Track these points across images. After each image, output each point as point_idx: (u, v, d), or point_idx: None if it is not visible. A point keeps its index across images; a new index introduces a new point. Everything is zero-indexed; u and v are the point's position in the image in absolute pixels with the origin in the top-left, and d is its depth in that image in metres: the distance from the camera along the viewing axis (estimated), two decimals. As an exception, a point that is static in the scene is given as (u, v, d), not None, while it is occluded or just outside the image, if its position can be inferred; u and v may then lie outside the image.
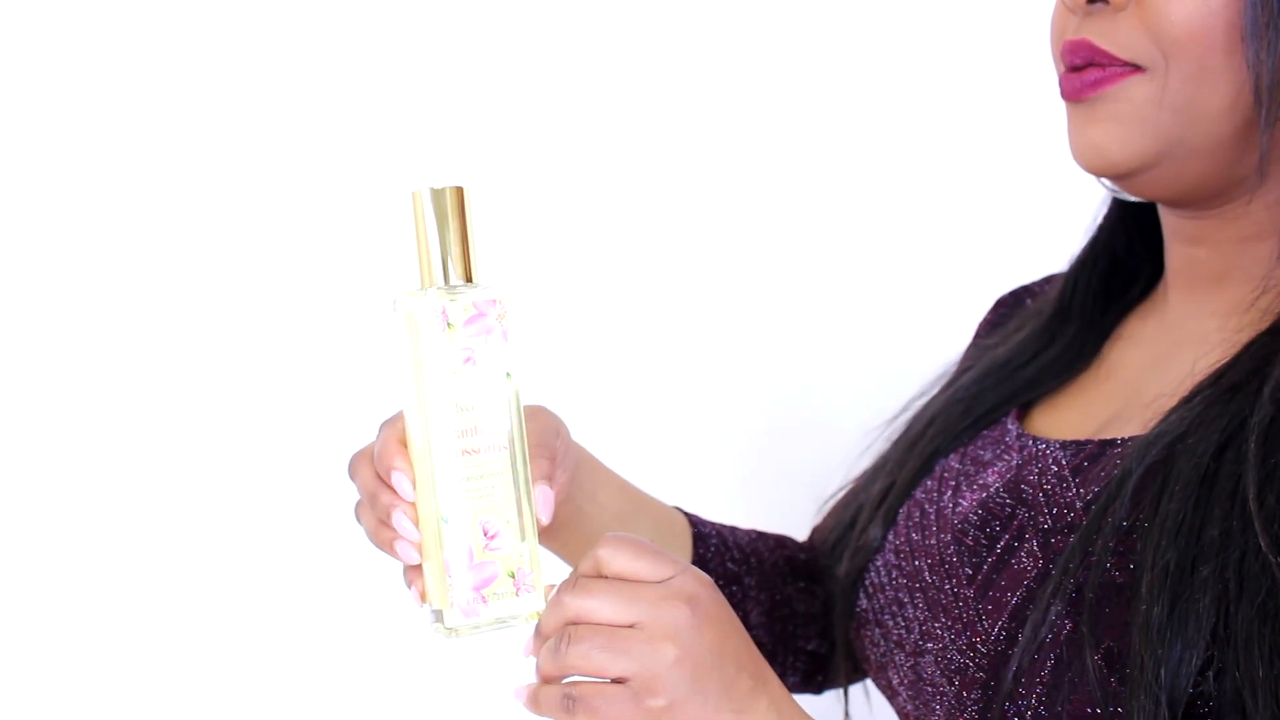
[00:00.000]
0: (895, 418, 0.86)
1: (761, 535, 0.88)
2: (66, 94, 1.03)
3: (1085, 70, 0.63)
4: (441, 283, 0.61)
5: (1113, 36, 0.62)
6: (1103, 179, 0.68)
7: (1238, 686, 0.52)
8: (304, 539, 1.09)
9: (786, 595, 0.85)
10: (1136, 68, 0.61)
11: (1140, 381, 0.67)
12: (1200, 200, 0.65)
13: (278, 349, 1.09)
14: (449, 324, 0.60)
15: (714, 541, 0.83)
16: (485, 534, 0.61)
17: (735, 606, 0.82)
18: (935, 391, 0.84)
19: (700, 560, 0.81)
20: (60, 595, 1.05)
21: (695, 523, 0.83)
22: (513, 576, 0.61)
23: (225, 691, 1.08)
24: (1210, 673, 0.54)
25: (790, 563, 0.87)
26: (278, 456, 1.09)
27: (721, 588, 0.80)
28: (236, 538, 1.09)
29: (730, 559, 0.83)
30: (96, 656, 1.06)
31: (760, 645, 0.83)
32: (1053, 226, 0.86)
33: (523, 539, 0.62)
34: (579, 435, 0.82)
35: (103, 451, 1.06)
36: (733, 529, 0.86)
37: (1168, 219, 0.69)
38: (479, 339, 0.60)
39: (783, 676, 0.86)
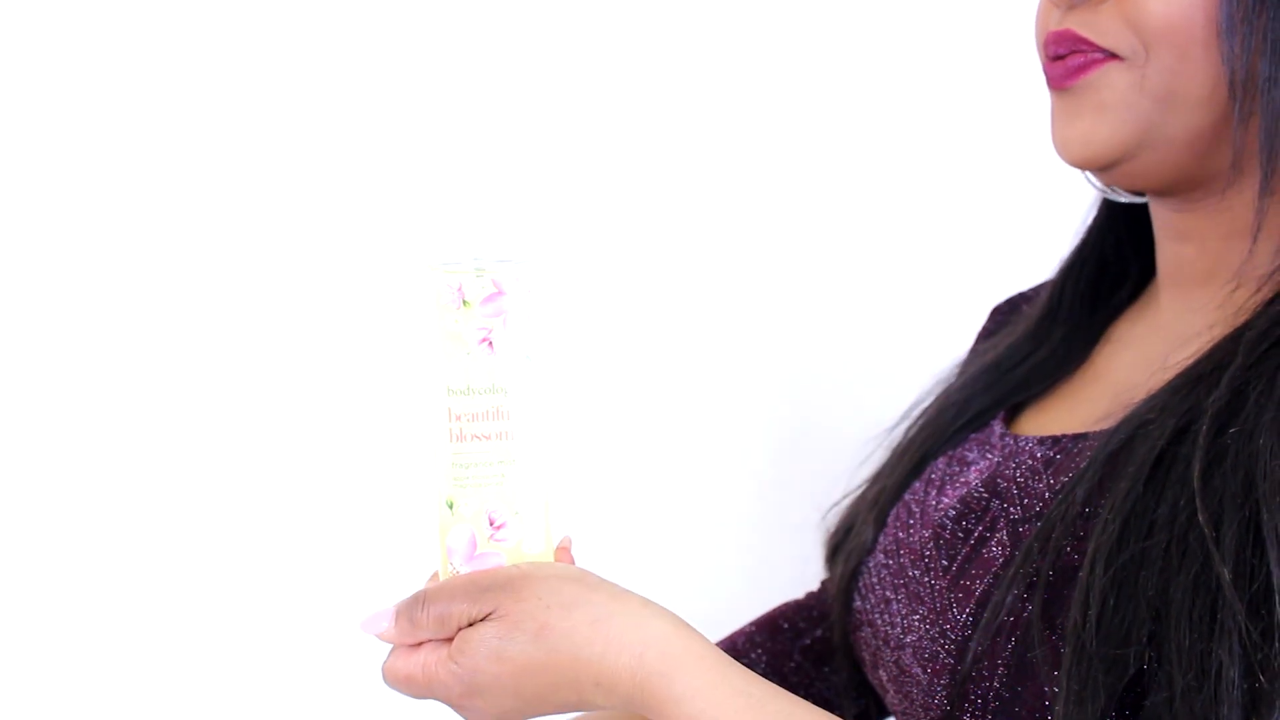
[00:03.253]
0: (894, 427, 0.87)
1: (767, 634, 0.86)
2: (67, 94, 1.03)
3: (1068, 57, 0.64)
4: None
5: (1094, 26, 0.63)
6: (1085, 172, 0.68)
7: (1168, 656, 0.53)
8: (304, 539, 1.08)
9: (786, 672, 0.84)
10: (1117, 56, 0.62)
11: (1128, 382, 0.67)
12: (1181, 190, 0.65)
13: (278, 346, 1.08)
14: (465, 301, 0.57)
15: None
16: (491, 523, 0.58)
17: None
18: (931, 399, 0.85)
19: None
20: (60, 595, 1.04)
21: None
22: (481, 571, 0.58)
23: (225, 692, 1.08)
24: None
25: (806, 654, 0.85)
26: (278, 456, 1.08)
27: None
28: (237, 538, 1.08)
29: (744, 655, 0.83)
30: (97, 657, 1.04)
31: None
32: (1051, 236, 0.86)
33: (535, 532, 0.58)
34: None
35: (103, 452, 1.05)
36: (734, 653, 0.84)
37: (1158, 215, 0.70)
38: (497, 319, 0.57)
39: None
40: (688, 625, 0.57)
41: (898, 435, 0.85)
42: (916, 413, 0.85)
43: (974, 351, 0.88)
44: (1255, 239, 0.63)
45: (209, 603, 1.07)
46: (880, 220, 1.18)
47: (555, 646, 0.54)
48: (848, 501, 0.89)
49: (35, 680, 1.03)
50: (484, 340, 0.57)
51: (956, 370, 0.86)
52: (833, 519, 0.90)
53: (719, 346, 1.16)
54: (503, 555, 0.58)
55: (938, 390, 0.85)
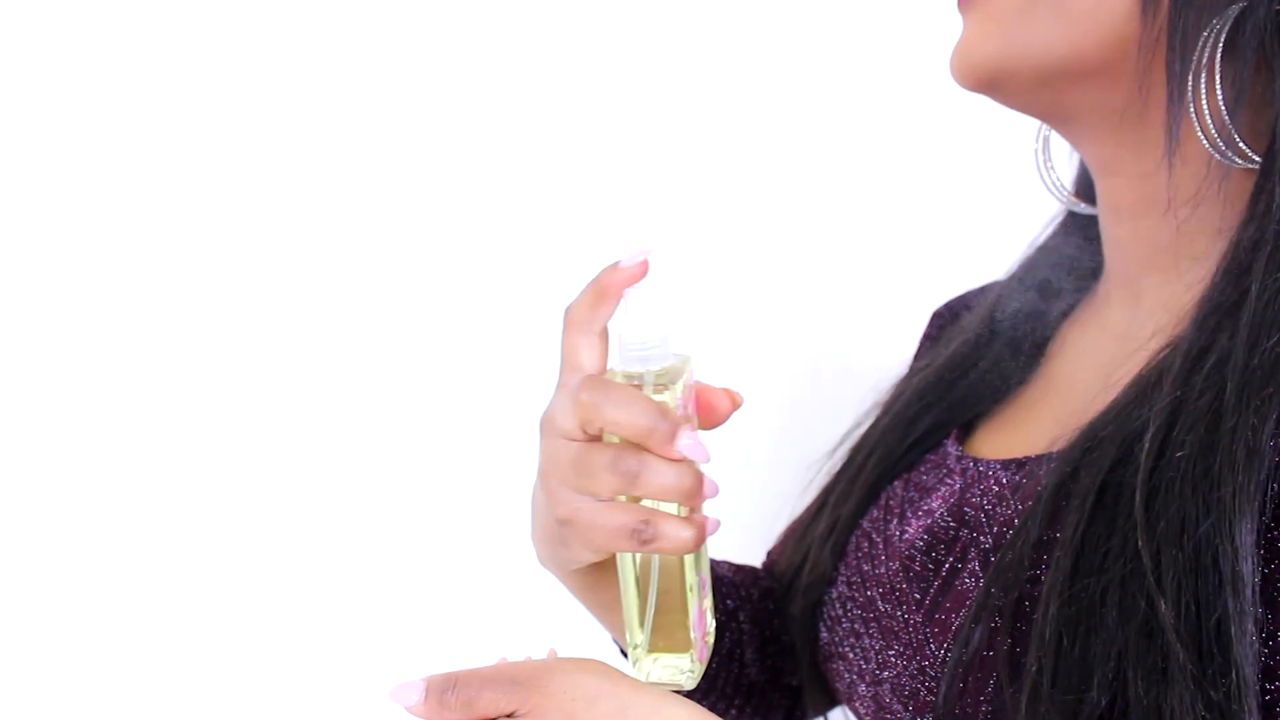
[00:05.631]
0: (834, 450, 0.86)
1: (739, 568, 0.87)
2: (66, 94, 1.02)
3: None
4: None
5: None
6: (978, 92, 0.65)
7: (1129, 701, 0.51)
8: (303, 539, 1.09)
9: (775, 630, 0.84)
10: None
11: (1087, 395, 0.65)
12: (1075, 118, 0.63)
13: (283, 349, 1.08)
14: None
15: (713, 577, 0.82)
16: (704, 586, 0.63)
17: (735, 647, 0.82)
18: (873, 419, 0.83)
19: None
20: (60, 595, 1.04)
21: None
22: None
23: (225, 692, 1.08)
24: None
25: (771, 596, 0.86)
26: (279, 457, 1.08)
27: (720, 625, 0.81)
28: (236, 538, 1.08)
29: (728, 596, 0.83)
30: (97, 657, 1.05)
31: (752, 684, 0.83)
32: (1007, 248, 0.86)
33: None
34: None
35: (103, 452, 1.05)
36: (715, 562, 0.85)
37: (1099, 192, 0.68)
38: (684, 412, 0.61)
39: (768, 714, 0.86)
40: (706, 711, 0.57)
41: (839, 459, 0.84)
42: (858, 434, 0.84)
43: (917, 359, 0.87)
44: (1170, 165, 0.60)
45: (211, 606, 1.07)
46: (823, 247, 1.19)
47: None
48: (788, 526, 0.89)
49: (36, 680, 1.03)
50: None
51: (895, 389, 0.84)
52: (776, 548, 0.90)
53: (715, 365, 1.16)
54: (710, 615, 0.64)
55: (877, 412, 0.84)
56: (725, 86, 1.15)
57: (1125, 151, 0.63)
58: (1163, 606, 0.50)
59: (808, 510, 0.86)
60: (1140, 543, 0.52)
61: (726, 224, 1.16)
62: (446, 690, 0.56)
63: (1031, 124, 0.70)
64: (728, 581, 0.83)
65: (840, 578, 0.74)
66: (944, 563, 0.66)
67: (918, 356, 0.88)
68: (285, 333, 1.08)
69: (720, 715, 0.83)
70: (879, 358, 0.94)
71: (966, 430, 0.75)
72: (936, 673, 0.63)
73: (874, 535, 0.73)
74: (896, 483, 0.75)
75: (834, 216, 1.18)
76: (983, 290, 0.85)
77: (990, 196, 1.16)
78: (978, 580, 0.63)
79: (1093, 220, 0.74)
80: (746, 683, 0.83)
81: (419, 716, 0.56)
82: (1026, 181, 0.74)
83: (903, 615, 0.67)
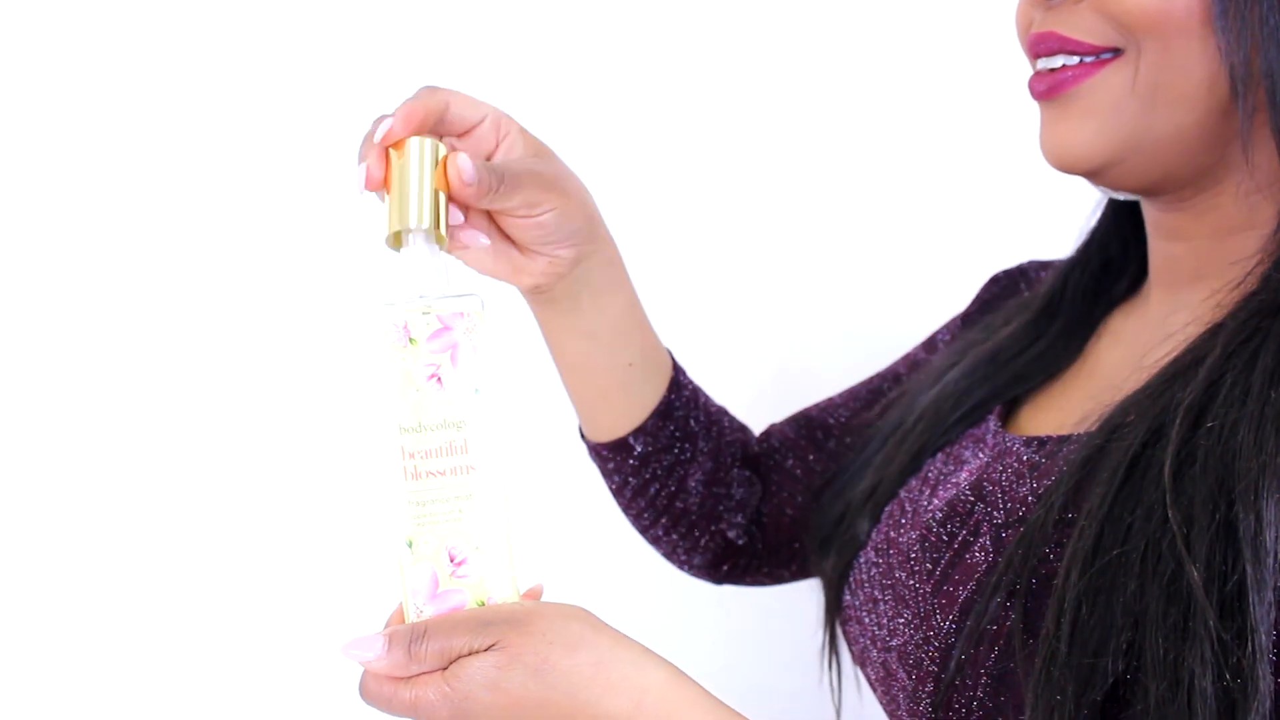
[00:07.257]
0: (884, 382, 0.90)
1: (727, 413, 0.90)
2: (67, 94, 1.03)
3: (1059, 70, 0.64)
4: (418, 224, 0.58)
5: (1077, 25, 0.62)
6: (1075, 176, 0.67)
7: (1144, 665, 0.52)
8: (302, 539, 1.09)
9: (730, 475, 0.87)
10: (1116, 51, 0.61)
11: (1119, 380, 0.66)
12: (1171, 190, 0.65)
13: (276, 350, 1.08)
14: (411, 339, 0.56)
15: (687, 394, 0.84)
16: (452, 560, 0.57)
17: (678, 465, 0.84)
18: (921, 384, 0.84)
19: (667, 407, 0.82)
20: (60, 595, 1.05)
21: (678, 370, 0.84)
22: (483, 606, 0.58)
23: (224, 692, 1.08)
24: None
25: (744, 448, 0.88)
26: (275, 457, 1.08)
27: (677, 440, 0.84)
28: (234, 538, 1.08)
29: (695, 418, 0.84)
30: (97, 657, 1.05)
31: (687, 513, 0.86)
32: (1048, 231, 0.86)
33: (497, 567, 0.58)
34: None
35: (102, 452, 1.05)
36: (708, 396, 0.88)
37: (1149, 213, 0.69)
38: (444, 354, 0.57)
39: (691, 554, 0.89)
40: (686, 675, 0.57)
41: (891, 420, 0.84)
42: (898, 367, 0.88)
43: (966, 317, 0.89)
44: None
45: (202, 613, 1.07)
46: (864, 216, 1.17)
47: (554, 684, 0.54)
48: (798, 412, 0.92)
49: (36, 680, 1.04)
50: (432, 376, 0.57)
51: (948, 356, 0.84)
52: (777, 427, 0.92)
53: (693, 356, 1.15)
54: (465, 592, 0.57)
55: (922, 351, 0.88)
56: (755, 89, 1.14)
57: (1194, 216, 0.65)
58: (1190, 569, 0.51)
59: (847, 460, 0.87)
60: (1170, 511, 0.53)
61: (737, 215, 1.15)
62: (415, 641, 0.54)
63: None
64: (705, 409, 0.85)
65: (870, 544, 0.75)
66: (957, 535, 0.66)
67: (966, 314, 0.89)
68: (282, 331, 1.08)
69: (647, 527, 0.87)
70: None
71: (1011, 408, 0.76)
72: (940, 643, 0.64)
73: (907, 505, 0.74)
74: (939, 455, 0.76)
75: (833, 208, 1.16)
76: (1045, 265, 0.86)
77: (1010, 193, 1.15)
78: (987, 555, 0.63)
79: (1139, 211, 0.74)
80: (680, 507, 0.85)
81: (385, 673, 0.55)
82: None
83: (914, 584, 0.68)
